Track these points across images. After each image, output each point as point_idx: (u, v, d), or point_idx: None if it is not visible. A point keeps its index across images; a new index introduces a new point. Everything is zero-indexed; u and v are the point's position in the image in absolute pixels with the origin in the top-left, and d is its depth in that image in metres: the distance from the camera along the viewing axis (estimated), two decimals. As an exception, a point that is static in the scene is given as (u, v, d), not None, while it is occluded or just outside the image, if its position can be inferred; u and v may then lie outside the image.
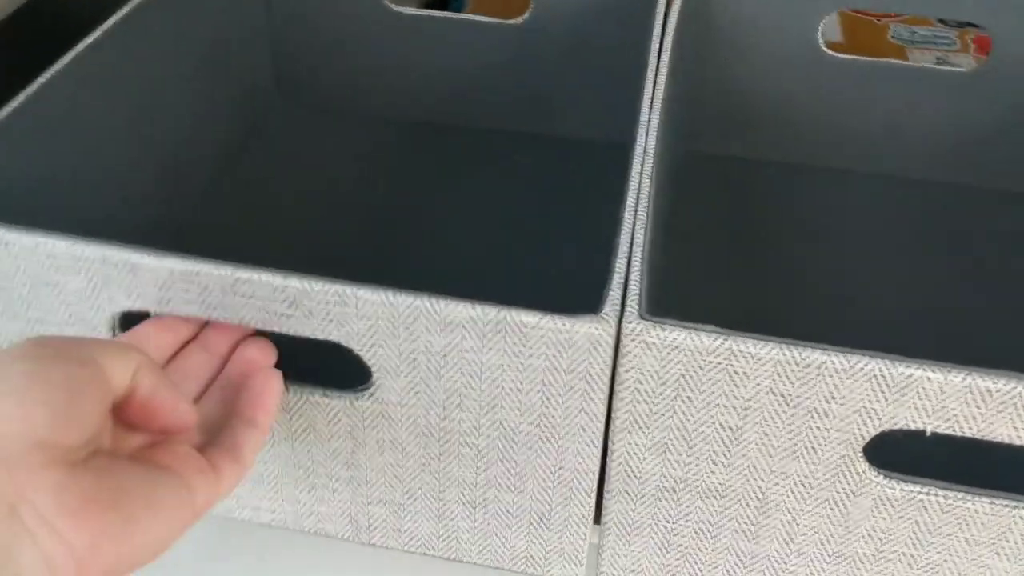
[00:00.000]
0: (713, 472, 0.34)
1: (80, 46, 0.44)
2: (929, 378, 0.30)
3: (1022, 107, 0.57)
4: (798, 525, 0.35)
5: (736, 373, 0.31)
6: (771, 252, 0.56)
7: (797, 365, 0.31)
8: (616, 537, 0.37)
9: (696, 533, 0.36)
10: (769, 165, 0.62)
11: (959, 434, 0.31)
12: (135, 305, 0.34)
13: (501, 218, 0.57)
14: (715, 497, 0.35)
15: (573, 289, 0.50)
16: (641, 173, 0.39)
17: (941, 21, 0.90)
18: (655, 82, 0.46)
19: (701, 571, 0.37)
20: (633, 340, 0.31)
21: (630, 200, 0.37)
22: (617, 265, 0.34)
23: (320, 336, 0.33)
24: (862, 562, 0.35)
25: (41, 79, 0.42)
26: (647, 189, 0.38)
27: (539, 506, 0.36)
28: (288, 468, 0.37)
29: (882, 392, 0.31)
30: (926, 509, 0.33)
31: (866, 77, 0.57)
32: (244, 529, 0.48)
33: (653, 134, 0.42)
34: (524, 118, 0.62)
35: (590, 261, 0.53)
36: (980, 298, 0.53)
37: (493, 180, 0.60)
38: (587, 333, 0.31)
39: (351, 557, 0.43)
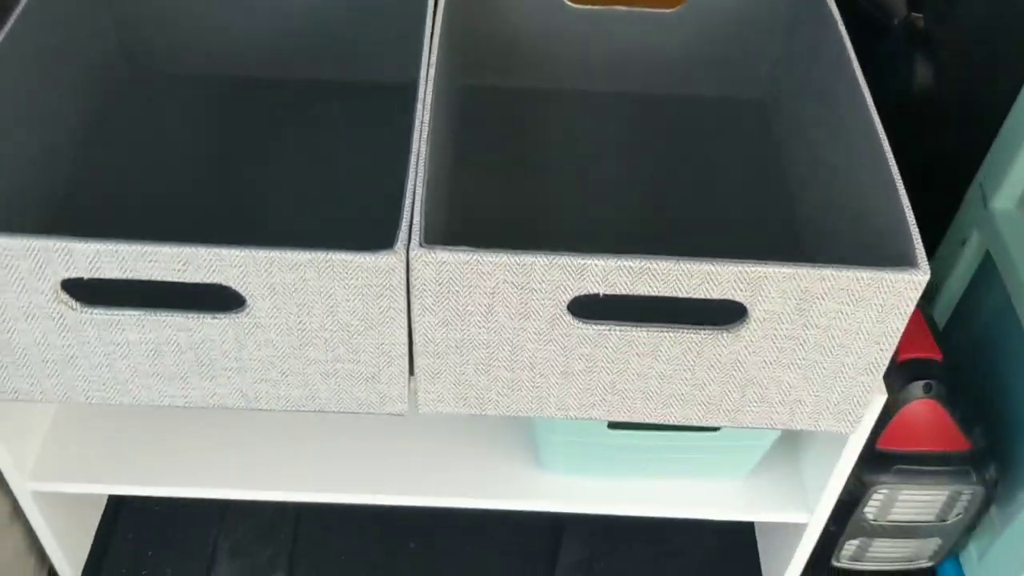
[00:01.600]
0: (479, 333, 0.53)
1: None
2: (596, 264, 0.49)
3: (708, 39, 0.76)
4: (537, 358, 0.54)
5: (483, 273, 0.50)
6: (533, 164, 0.74)
7: (518, 264, 0.49)
8: (425, 381, 0.56)
9: (475, 371, 0.55)
10: (526, 91, 0.79)
11: (618, 293, 0.50)
12: (72, 275, 0.49)
13: (321, 157, 0.72)
14: (483, 348, 0.54)
15: (380, 209, 0.67)
16: (423, 110, 0.56)
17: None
18: (433, 31, 0.62)
19: (481, 395, 0.57)
20: (417, 261, 0.49)
21: (415, 137, 0.54)
22: (405, 205, 0.51)
23: (207, 281, 0.49)
24: (579, 375, 0.55)
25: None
26: (427, 125, 0.55)
27: (372, 369, 0.54)
28: (193, 367, 0.54)
29: (571, 274, 0.50)
30: (608, 338, 0.53)
31: (598, 20, 0.75)
32: (164, 411, 0.64)
33: (432, 75, 0.58)
34: (327, 68, 0.77)
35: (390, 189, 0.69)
36: (694, 184, 0.73)
37: (309, 123, 0.75)
38: (387, 262, 0.49)
39: (243, 419, 0.60)
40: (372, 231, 0.66)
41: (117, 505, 0.84)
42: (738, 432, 0.66)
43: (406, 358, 0.54)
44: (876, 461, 0.74)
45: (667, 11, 0.76)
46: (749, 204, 0.72)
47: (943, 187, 0.90)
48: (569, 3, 0.74)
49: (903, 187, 0.54)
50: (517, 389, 0.56)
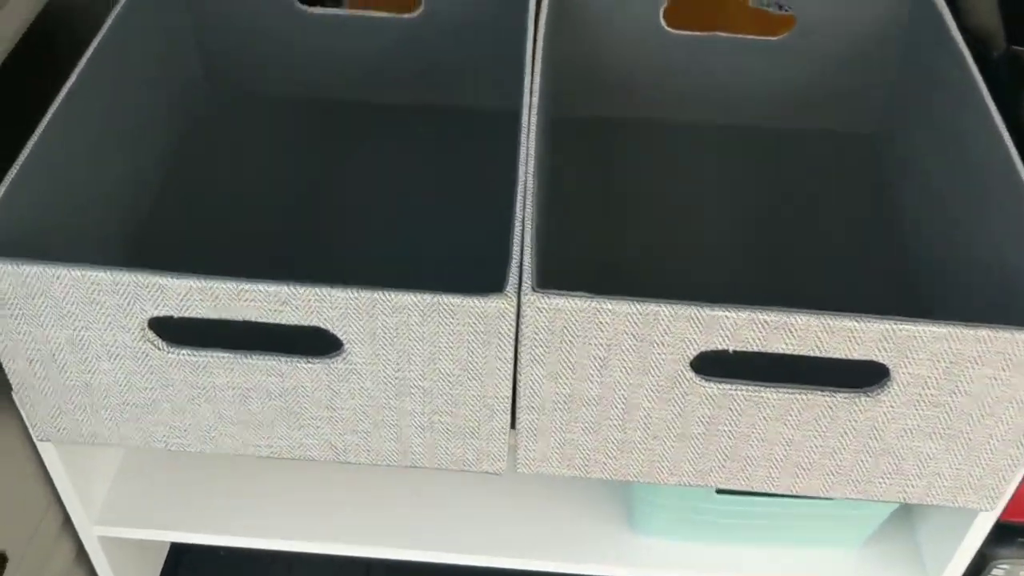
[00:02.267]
0: (590, 389, 0.48)
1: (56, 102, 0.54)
2: (727, 316, 0.45)
3: (817, 68, 0.72)
4: (651, 418, 0.50)
5: (601, 323, 0.45)
6: (627, 200, 0.70)
7: (640, 314, 0.45)
8: (527, 439, 0.51)
9: (583, 430, 0.51)
10: (619, 122, 0.75)
11: (750, 349, 0.46)
12: (161, 312, 0.46)
13: (411, 186, 0.69)
14: (593, 404, 0.49)
15: (481, 244, 0.63)
16: (527, 140, 0.52)
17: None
18: (535, 57, 0.58)
19: (588, 456, 0.52)
20: (529, 307, 0.45)
21: (521, 171, 0.50)
22: (514, 246, 0.47)
23: (304, 323, 0.46)
24: (697, 439, 0.50)
25: (35, 136, 0.51)
26: (533, 159, 0.51)
27: (471, 423, 0.50)
28: (281, 415, 0.50)
29: (698, 327, 0.45)
30: (734, 399, 0.48)
31: (698, 47, 0.71)
32: (246, 461, 0.61)
33: (535, 103, 0.55)
34: (423, 93, 0.74)
35: (492, 221, 0.66)
36: (797, 224, 0.69)
37: (399, 149, 0.71)
38: (496, 307, 0.45)
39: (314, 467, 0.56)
40: (467, 268, 0.63)
41: (180, 551, 0.80)
42: (856, 500, 0.60)
43: (508, 412, 0.50)
44: (999, 534, 0.68)
45: (772, 38, 0.71)
46: (860, 248, 0.67)
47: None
48: (668, 29, 0.70)
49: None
50: (627, 451, 0.51)
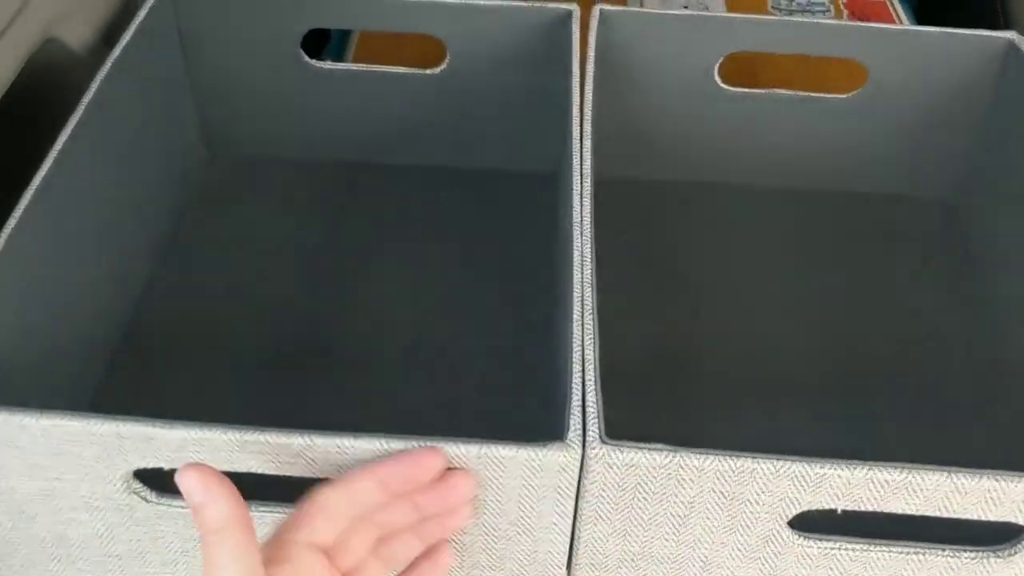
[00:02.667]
0: (665, 547, 0.40)
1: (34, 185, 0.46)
2: (839, 475, 0.37)
3: (890, 128, 0.64)
4: (735, 576, 0.42)
5: (683, 480, 0.37)
6: (681, 268, 0.62)
7: (733, 471, 0.37)
8: (584, 597, 0.43)
9: (651, 587, 0.43)
10: (668, 185, 0.67)
11: (863, 509, 0.38)
12: (149, 464, 0.38)
13: (436, 265, 0.60)
14: (667, 563, 0.41)
15: (522, 335, 0.55)
16: (581, 240, 0.45)
17: (815, -15, 0.95)
18: (582, 121, 0.51)
19: (655, 613, 0.44)
20: (596, 462, 0.37)
21: (576, 282, 0.43)
22: (574, 379, 0.39)
23: (321, 476, 0.38)
24: (788, 599, 0.43)
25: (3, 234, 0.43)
26: (590, 262, 0.43)
27: (518, 583, 0.42)
28: None
29: (802, 486, 0.37)
30: (838, 559, 0.40)
31: (758, 104, 0.63)
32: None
33: (587, 170, 0.47)
34: (446, 154, 0.66)
35: (534, 306, 0.58)
36: (864, 297, 0.61)
37: (421, 217, 0.63)
38: (556, 460, 0.37)
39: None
40: (508, 371, 0.55)
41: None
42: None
43: (564, 568, 0.42)
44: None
45: (839, 96, 0.63)
46: (946, 340, 0.59)
47: None
48: (723, 86, 0.63)
49: None
50: (703, 609, 0.43)
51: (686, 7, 0.91)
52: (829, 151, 0.66)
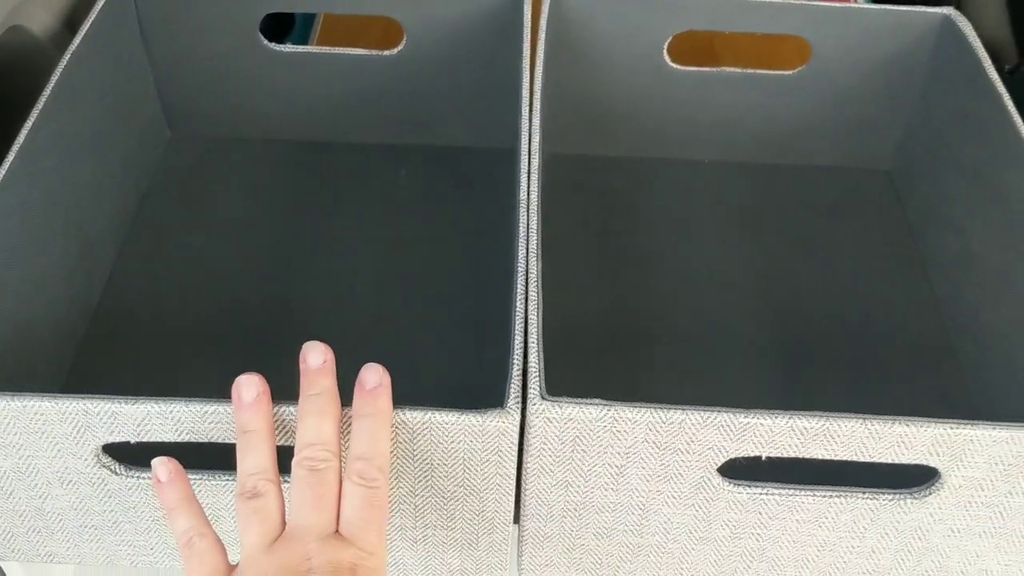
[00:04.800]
0: (605, 496, 0.43)
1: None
2: (761, 423, 0.39)
3: (832, 101, 0.66)
4: (672, 523, 0.44)
5: (618, 432, 0.40)
6: (633, 240, 0.65)
7: (663, 422, 0.40)
8: (532, 545, 0.46)
9: (594, 535, 0.45)
10: (620, 161, 0.69)
11: (786, 455, 0.41)
12: (117, 439, 0.40)
13: (397, 240, 0.63)
14: (608, 511, 0.44)
15: (481, 298, 0.58)
16: (527, 213, 0.47)
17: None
18: (531, 98, 0.53)
19: (599, 560, 0.47)
20: (537, 417, 0.40)
21: (520, 257, 0.45)
22: (516, 352, 0.41)
23: (277, 444, 0.40)
24: (721, 542, 0.45)
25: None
26: (536, 232, 0.46)
27: (467, 536, 0.45)
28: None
29: (728, 435, 0.40)
30: (765, 503, 0.43)
31: (706, 82, 0.65)
32: None
33: (536, 145, 0.50)
34: (405, 133, 0.68)
35: (493, 273, 0.60)
36: (809, 264, 0.64)
37: (381, 194, 0.65)
38: (495, 425, 0.39)
39: None
40: (467, 335, 0.57)
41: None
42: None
43: (509, 524, 0.45)
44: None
45: (785, 72, 0.66)
46: (883, 299, 0.61)
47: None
48: (672, 64, 0.65)
49: None
50: (643, 555, 0.46)
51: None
52: (775, 125, 0.68)
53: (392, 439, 0.39)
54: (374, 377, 0.39)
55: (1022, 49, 0.91)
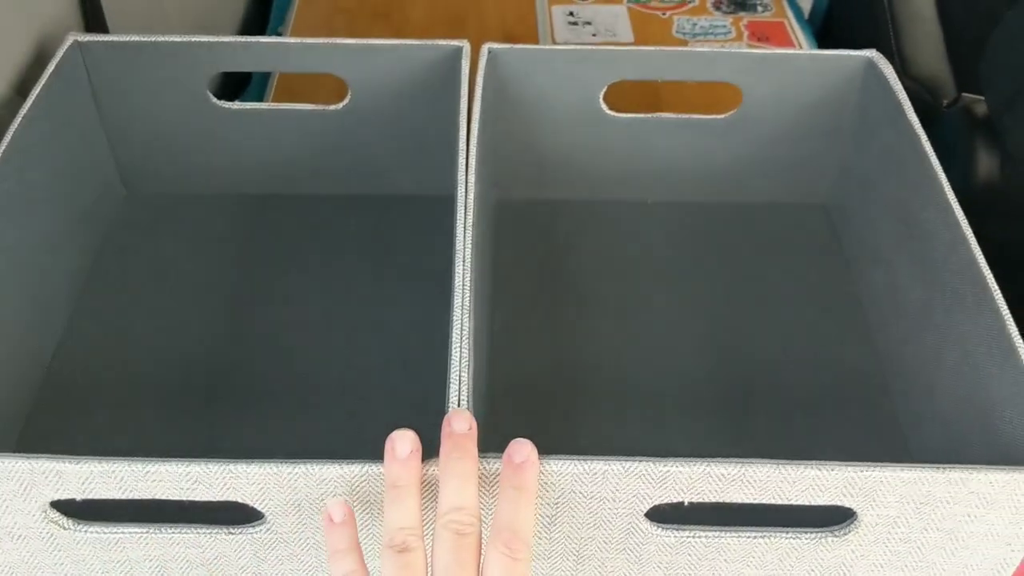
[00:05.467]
0: (539, 544, 0.45)
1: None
2: (680, 471, 0.41)
3: (767, 141, 0.69)
4: (607, 567, 0.46)
5: (547, 483, 0.42)
6: (577, 282, 0.67)
7: (588, 473, 0.41)
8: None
9: (533, 580, 0.47)
10: (561, 204, 0.71)
11: (707, 501, 0.43)
12: (62, 496, 0.41)
13: (346, 287, 0.64)
14: (543, 559, 0.46)
15: (426, 346, 0.60)
16: (463, 254, 0.49)
17: (717, 8, 1.01)
18: (468, 146, 0.55)
19: (541, 603, 0.48)
20: (466, 472, 0.41)
21: (457, 303, 0.47)
22: (451, 390, 0.43)
23: (220, 499, 0.42)
24: (655, 583, 0.47)
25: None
26: (470, 275, 0.48)
27: None
28: (206, 585, 0.46)
29: (650, 482, 0.42)
30: (693, 545, 0.45)
31: (641, 128, 0.68)
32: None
33: (471, 185, 0.52)
34: (354, 183, 0.70)
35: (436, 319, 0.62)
36: (750, 300, 0.66)
37: (331, 243, 0.67)
38: (432, 476, 0.41)
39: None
40: (412, 378, 0.59)
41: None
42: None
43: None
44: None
45: (717, 117, 0.68)
46: (821, 334, 0.64)
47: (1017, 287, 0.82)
48: (608, 112, 0.67)
49: (1029, 354, 0.46)
50: (580, 599, 0.48)
51: (595, 35, 0.96)
52: (713, 166, 0.71)
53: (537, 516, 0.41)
54: (523, 451, 0.40)
55: (959, 84, 0.94)
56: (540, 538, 0.44)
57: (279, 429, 0.57)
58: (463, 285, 0.49)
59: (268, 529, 0.43)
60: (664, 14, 0.98)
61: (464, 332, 0.46)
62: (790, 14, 0.99)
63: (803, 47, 0.96)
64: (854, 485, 0.42)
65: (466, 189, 0.54)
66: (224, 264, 0.66)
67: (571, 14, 0.98)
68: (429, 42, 0.64)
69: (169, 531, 0.44)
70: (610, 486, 0.42)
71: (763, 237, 0.70)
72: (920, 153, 0.58)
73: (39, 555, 0.45)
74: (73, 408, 0.58)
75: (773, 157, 0.70)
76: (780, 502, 0.42)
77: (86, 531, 0.44)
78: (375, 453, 0.41)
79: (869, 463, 0.42)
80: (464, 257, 0.50)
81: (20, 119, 0.57)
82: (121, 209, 0.69)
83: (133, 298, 0.64)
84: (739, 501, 0.43)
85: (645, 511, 0.43)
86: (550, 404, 0.59)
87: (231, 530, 0.44)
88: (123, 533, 0.44)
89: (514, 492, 0.40)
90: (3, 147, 0.55)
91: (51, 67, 0.60)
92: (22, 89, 0.64)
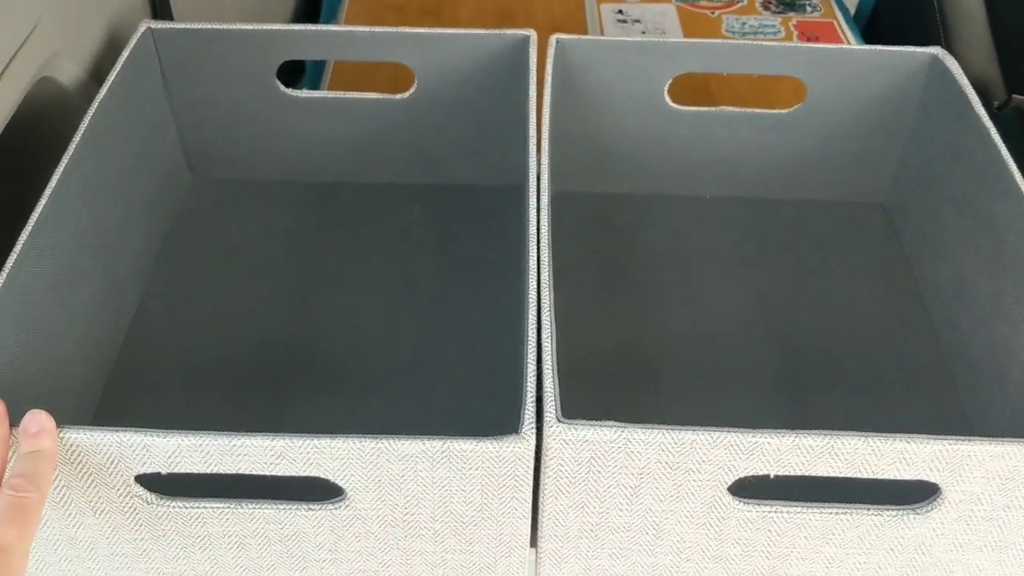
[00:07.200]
0: (620, 516, 0.45)
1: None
2: (769, 442, 0.41)
3: (827, 138, 0.69)
4: (685, 542, 0.46)
5: (631, 452, 0.42)
6: (636, 273, 0.67)
7: (675, 443, 0.41)
8: (549, 567, 0.48)
9: (609, 556, 0.47)
10: (623, 198, 0.72)
11: (793, 474, 0.42)
12: (148, 470, 0.42)
13: (412, 277, 0.65)
14: (622, 531, 0.46)
15: (496, 331, 0.60)
16: (536, 248, 0.49)
17: (766, 8, 1.01)
18: (539, 138, 0.55)
19: (615, 580, 0.48)
20: (553, 439, 0.41)
21: (531, 287, 0.47)
22: (529, 379, 0.43)
23: (302, 474, 0.42)
24: (732, 560, 0.47)
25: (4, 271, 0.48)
26: (547, 266, 0.48)
27: (486, 560, 0.46)
28: (282, 559, 0.46)
29: (737, 454, 0.42)
30: (774, 521, 0.45)
31: (706, 121, 0.68)
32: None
33: (545, 183, 0.52)
34: (417, 172, 0.70)
35: (506, 307, 0.62)
36: (807, 293, 0.66)
37: (394, 231, 0.68)
38: (511, 451, 0.41)
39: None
40: (483, 365, 0.59)
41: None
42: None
43: (527, 547, 0.46)
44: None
45: (780, 111, 0.69)
46: (880, 325, 0.63)
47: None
48: (672, 105, 0.68)
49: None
50: (657, 574, 0.48)
51: (644, 32, 0.96)
52: (773, 162, 0.71)
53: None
54: (39, 421, 0.41)
55: (1009, 85, 0.94)
56: (621, 510, 0.44)
57: (347, 413, 0.57)
58: (537, 266, 0.49)
59: (347, 506, 0.44)
60: (713, 13, 0.99)
61: (545, 305, 0.46)
62: (839, 14, 1.00)
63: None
64: (941, 459, 0.42)
65: (538, 176, 0.54)
66: (288, 249, 0.67)
67: (620, 12, 0.99)
68: (496, 31, 0.64)
69: (250, 506, 0.44)
70: (697, 457, 0.42)
71: (821, 233, 0.70)
72: (990, 145, 0.58)
73: (120, 530, 0.45)
74: (145, 389, 0.58)
75: (833, 154, 0.70)
76: (866, 475, 0.42)
77: (169, 505, 0.44)
78: (446, 432, 0.41)
79: (958, 436, 0.41)
80: (540, 238, 0.50)
81: (96, 105, 0.57)
82: (188, 194, 0.70)
83: (202, 281, 0.64)
84: (825, 474, 0.42)
85: (729, 484, 0.43)
86: (613, 385, 0.60)
87: (311, 506, 0.44)
88: (204, 508, 0.44)
89: (32, 454, 0.40)
90: (81, 132, 0.56)
91: (126, 53, 0.61)
92: (97, 74, 0.65)
